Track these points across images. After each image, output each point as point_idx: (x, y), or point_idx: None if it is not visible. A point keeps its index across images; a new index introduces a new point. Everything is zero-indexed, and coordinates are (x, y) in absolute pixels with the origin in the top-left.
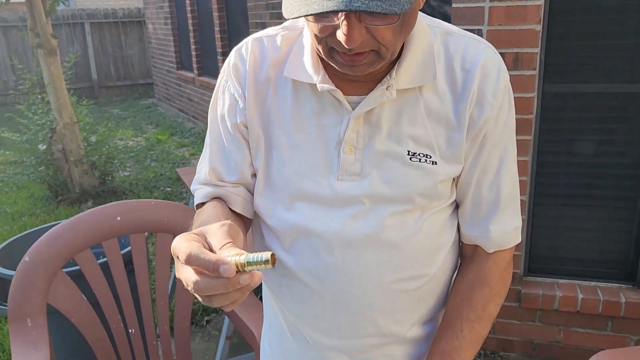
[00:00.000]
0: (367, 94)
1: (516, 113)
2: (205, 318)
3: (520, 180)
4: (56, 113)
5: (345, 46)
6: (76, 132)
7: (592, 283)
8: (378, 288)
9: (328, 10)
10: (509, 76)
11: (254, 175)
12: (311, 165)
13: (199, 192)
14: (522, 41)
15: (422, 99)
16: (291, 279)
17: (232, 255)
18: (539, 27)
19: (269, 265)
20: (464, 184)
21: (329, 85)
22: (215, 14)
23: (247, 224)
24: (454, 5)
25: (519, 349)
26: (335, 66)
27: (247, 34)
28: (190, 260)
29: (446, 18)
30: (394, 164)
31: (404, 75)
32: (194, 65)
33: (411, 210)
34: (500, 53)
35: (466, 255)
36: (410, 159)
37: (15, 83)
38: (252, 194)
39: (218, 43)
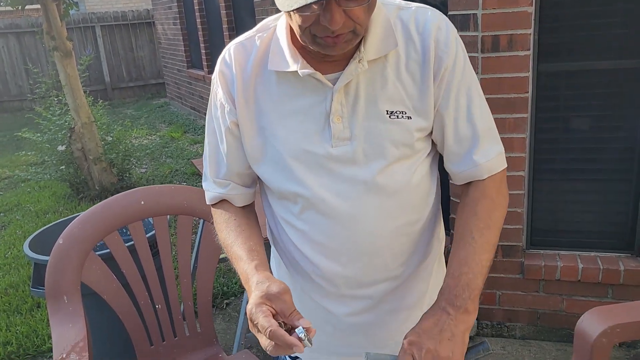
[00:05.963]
0: (341, 70)
1: (512, 92)
2: (225, 301)
3: (518, 157)
4: (74, 113)
5: (331, 29)
6: (94, 131)
7: (592, 253)
8: (384, 234)
9: None
10: (456, 30)
11: (249, 168)
12: (307, 139)
13: (207, 194)
14: (516, 23)
15: (389, 65)
16: (307, 240)
17: (299, 327)
18: (530, 9)
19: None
20: (443, 128)
21: (309, 70)
22: (223, 12)
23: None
24: None
25: (524, 319)
26: (319, 50)
27: None
28: (273, 337)
29: (443, 3)
30: (377, 124)
31: (370, 47)
32: (204, 64)
33: (398, 161)
34: (494, 35)
35: (462, 190)
36: (390, 117)
37: (30, 87)
38: (248, 185)
39: (227, 40)
